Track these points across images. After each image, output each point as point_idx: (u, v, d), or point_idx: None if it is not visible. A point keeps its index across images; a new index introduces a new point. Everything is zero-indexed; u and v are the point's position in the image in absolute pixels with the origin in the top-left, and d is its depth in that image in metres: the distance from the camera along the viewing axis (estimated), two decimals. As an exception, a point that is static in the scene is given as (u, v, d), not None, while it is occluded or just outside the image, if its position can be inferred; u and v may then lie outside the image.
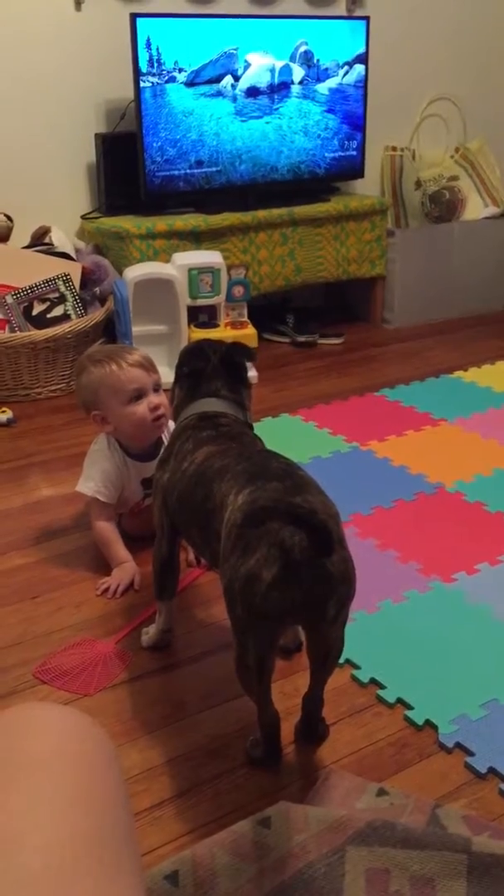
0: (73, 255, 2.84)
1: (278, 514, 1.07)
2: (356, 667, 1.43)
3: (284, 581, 1.06)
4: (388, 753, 1.26)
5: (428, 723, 1.31)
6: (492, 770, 1.22)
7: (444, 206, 3.48)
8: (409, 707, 1.34)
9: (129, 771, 1.23)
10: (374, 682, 1.40)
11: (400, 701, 1.36)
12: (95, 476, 1.75)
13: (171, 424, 1.75)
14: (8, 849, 0.46)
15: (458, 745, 1.27)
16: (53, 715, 0.59)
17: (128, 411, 1.70)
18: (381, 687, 1.39)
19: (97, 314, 2.73)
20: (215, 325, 2.78)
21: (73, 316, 2.69)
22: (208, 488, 1.25)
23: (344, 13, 3.29)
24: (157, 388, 1.74)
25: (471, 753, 1.25)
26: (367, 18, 3.14)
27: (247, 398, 1.51)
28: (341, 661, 1.43)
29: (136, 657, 1.48)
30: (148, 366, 1.73)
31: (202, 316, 2.78)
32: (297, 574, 1.06)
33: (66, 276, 2.69)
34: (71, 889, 0.45)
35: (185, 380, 1.49)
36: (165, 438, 1.77)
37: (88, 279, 2.78)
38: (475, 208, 3.54)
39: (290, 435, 2.38)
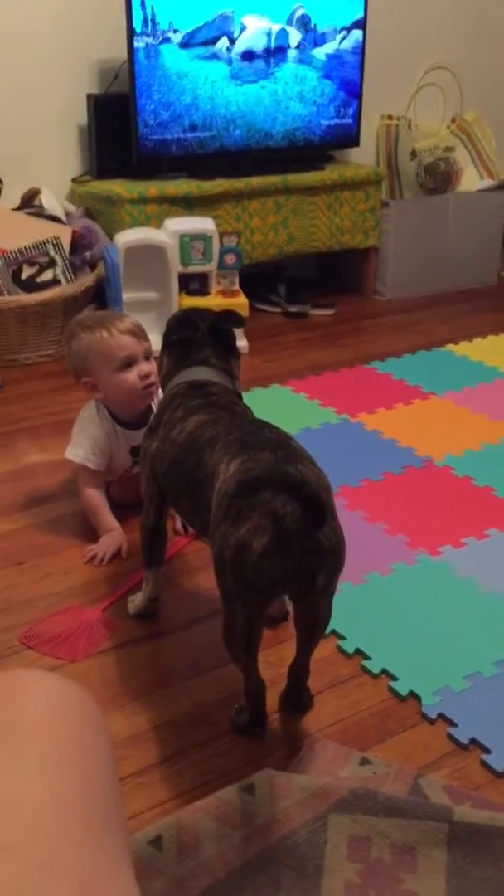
0: (63, 218, 2.80)
1: (271, 484, 1.07)
2: (341, 637, 1.44)
3: (275, 551, 1.06)
4: (371, 723, 1.27)
5: (411, 693, 1.32)
6: (473, 741, 1.23)
7: (439, 178, 3.44)
8: (394, 678, 1.36)
9: (114, 736, 1.24)
10: (358, 652, 1.41)
11: (384, 672, 1.37)
12: (84, 443, 1.74)
13: (161, 393, 1.75)
14: (-5, 815, 0.46)
15: (441, 716, 1.28)
16: (40, 681, 0.59)
17: (118, 378, 1.70)
18: (366, 658, 1.40)
19: (87, 279, 2.70)
20: (206, 293, 2.76)
21: (63, 281, 2.66)
22: (199, 457, 1.25)
23: (343, -24, 3.22)
24: (147, 356, 1.73)
25: (453, 724, 1.26)
26: (366, -18, 3.09)
27: (236, 367, 1.50)
28: (327, 631, 1.44)
29: (123, 625, 1.48)
30: (139, 333, 1.72)
31: (193, 283, 2.75)
32: (287, 544, 1.06)
33: (56, 239, 2.65)
34: (58, 854, 0.45)
35: (173, 348, 1.48)
36: (155, 407, 1.76)
37: (79, 244, 2.75)
38: (471, 180, 3.51)
39: (279, 406, 2.37)
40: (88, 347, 1.70)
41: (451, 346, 2.84)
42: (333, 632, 1.45)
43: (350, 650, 1.41)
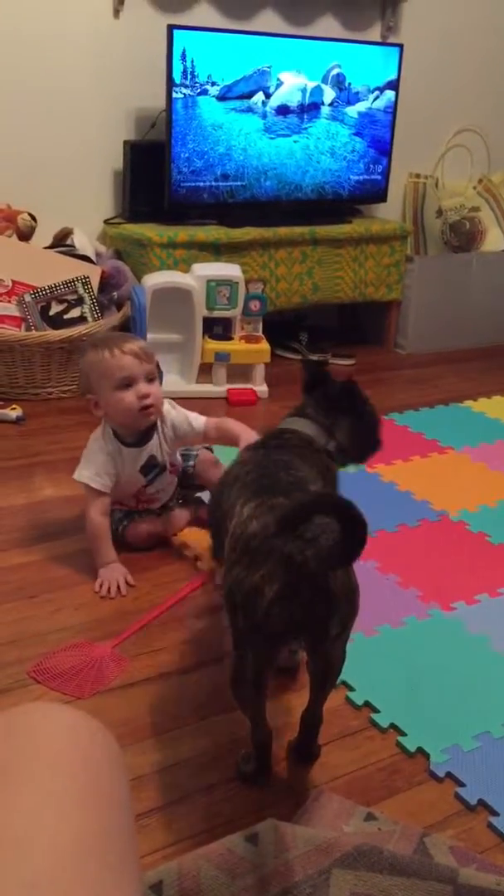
0: (93, 258, 2.85)
1: (319, 508, 1.07)
2: (351, 689, 1.43)
3: (286, 598, 1.06)
4: (378, 778, 1.26)
5: (420, 750, 1.31)
6: (481, 802, 1.22)
7: (463, 237, 3.49)
8: (402, 733, 1.34)
9: (118, 777, 1.23)
10: (368, 705, 1.40)
11: (393, 726, 1.36)
12: (90, 465, 1.77)
13: (165, 413, 1.80)
14: (15, 849, 0.46)
15: (449, 775, 1.26)
16: (60, 715, 0.59)
17: (116, 397, 1.73)
18: (375, 711, 1.39)
19: (113, 318, 2.74)
20: (230, 338, 2.79)
21: (90, 319, 2.71)
22: (221, 493, 1.28)
23: (378, 39, 3.32)
24: (150, 378, 1.76)
25: (461, 784, 1.25)
26: (400, 46, 3.17)
27: (343, 429, 1.47)
28: (336, 682, 1.43)
29: (133, 663, 1.48)
30: (142, 355, 1.75)
31: (217, 328, 2.79)
32: (298, 591, 1.06)
33: (85, 278, 2.70)
34: (75, 892, 0.45)
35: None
36: (159, 425, 1.81)
37: (107, 283, 2.80)
38: (495, 240, 3.56)
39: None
40: (91, 365, 1.74)
41: (469, 403, 2.86)
42: (343, 683, 1.44)
43: (359, 702, 1.40)
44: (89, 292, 2.71)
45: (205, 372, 2.79)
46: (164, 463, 1.86)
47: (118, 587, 1.69)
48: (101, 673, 1.44)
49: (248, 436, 1.78)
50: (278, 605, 1.06)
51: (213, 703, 1.39)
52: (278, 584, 1.05)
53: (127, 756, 1.26)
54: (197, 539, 1.88)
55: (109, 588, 1.68)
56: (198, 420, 1.87)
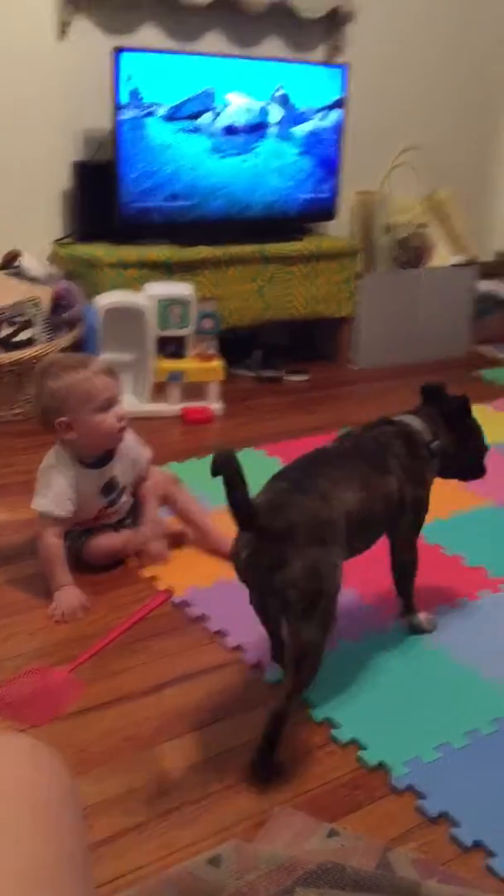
0: (43, 279, 2.83)
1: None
2: (310, 705, 1.43)
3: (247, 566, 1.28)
4: (339, 794, 1.26)
5: (381, 764, 1.31)
6: (443, 814, 1.22)
7: (412, 252, 3.54)
8: (363, 747, 1.34)
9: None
10: (328, 721, 1.40)
11: (353, 741, 1.36)
12: (48, 492, 1.74)
13: (129, 434, 1.80)
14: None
15: (410, 788, 1.27)
16: (12, 743, 0.58)
17: (97, 419, 1.71)
18: (335, 726, 1.39)
19: (64, 339, 2.72)
20: (183, 357, 2.79)
21: (41, 341, 2.68)
22: None
23: (323, 59, 3.36)
24: (119, 398, 1.77)
25: (422, 796, 1.25)
26: (345, 66, 3.22)
27: (450, 440, 1.61)
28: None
29: (90, 688, 1.46)
30: (115, 375, 1.76)
31: (170, 347, 2.79)
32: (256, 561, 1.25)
33: (35, 300, 2.68)
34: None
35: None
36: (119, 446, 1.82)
37: (58, 304, 2.78)
38: (442, 256, 3.62)
39: (254, 469, 2.36)
40: (69, 388, 1.70)
41: (422, 416, 2.88)
42: (303, 700, 1.44)
43: (319, 718, 1.40)
44: (40, 314, 2.69)
45: (159, 391, 2.78)
46: (125, 483, 1.85)
47: (74, 611, 1.67)
48: (58, 699, 1.42)
49: (198, 508, 1.90)
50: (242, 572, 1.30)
51: (172, 726, 1.37)
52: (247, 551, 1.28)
53: (83, 783, 1.24)
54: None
55: (64, 612, 1.66)
56: (147, 451, 1.90)
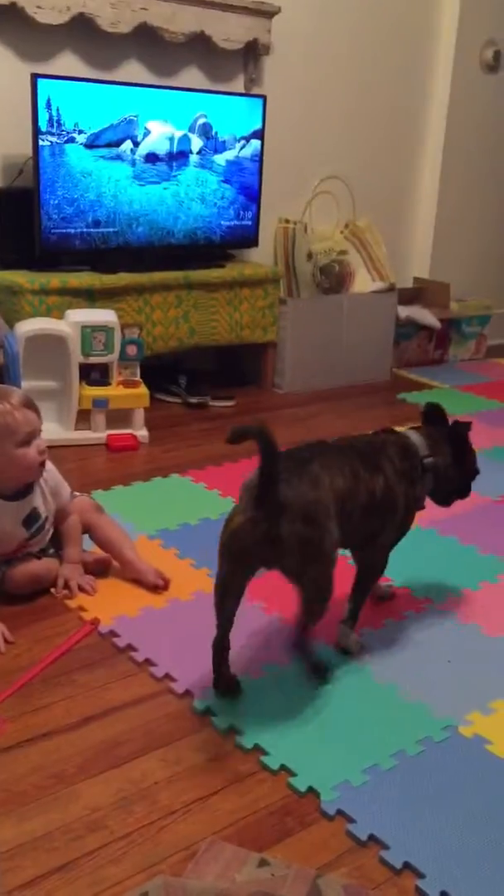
0: (-38, 306, 2.78)
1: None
2: (239, 732, 1.42)
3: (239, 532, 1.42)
4: (269, 822, 1.25)
5: (310, 790, 1.31)
6: (372, 837, 1.22)
7: (333, 279, 3.61)
8: (292, 774, 1.34)
9: (1, 846, 1.17)
10: (257, 747, 1.39)
11: (283, 767, 1.35)
12: None
13: (49, 466, 1.78)
14: None
15: (340, 813, 1.26)
16: None
17: (19, 454, 1.68)
18: (265, 753, 1.38)
19: (-15, 367, 2.67)
20: (107, 384, 2.77)
21: (-40, 368, 2.63)
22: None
23: (242, 90, 3.41)
24: (39, 430, 1.74)
25: (352, 821, 1.25)
26: (263, 97, 3.28)
27: (443, 449, 1.74)
28: (224, 727, 1.43)
29: (13, 724, 1.42)
30: (35, 407, 1.74)
31: (94, 374, 2.76)
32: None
33: (-46, 327, 2.63)
34: None
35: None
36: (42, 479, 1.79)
37: (-22, 332, 2.73)
38: (363, 282, 3.69)
39: (180, 495, 2.37)
40: None
41: (346, 439, 2.92)
42: (231, 727, 1.43)
43: (249, 745, 1.39)
44: (-41, 341, 2.64)
45: (83, 419, 2.75)
46: (48, 514, 1.82)
47: None
48: (-20, 737, 1.38)
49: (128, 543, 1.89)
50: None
51: (97, 761, 1.34)
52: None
53: (7, 823, 1.21)
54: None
55: None
56: (66, 487, 1.88)
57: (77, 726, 1.42)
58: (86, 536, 1.93)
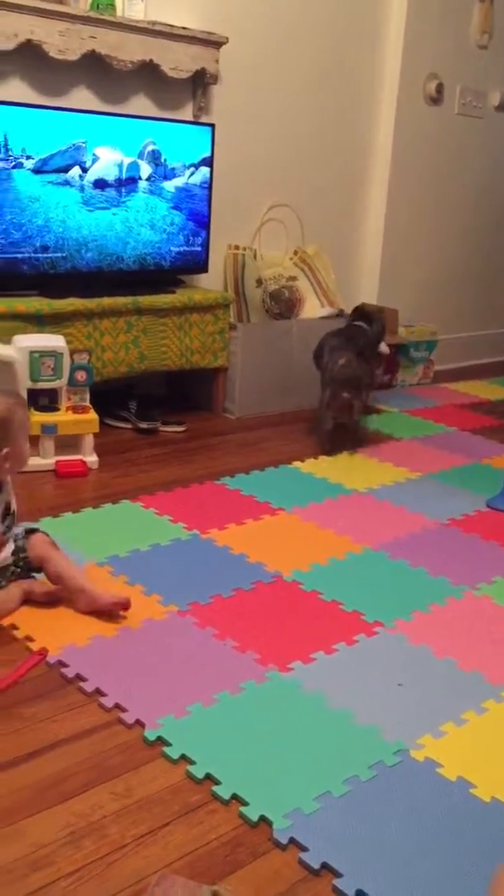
0: None
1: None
2: (191, 762, 1.40)
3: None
4: (221, 853, 1.23)
5: (262, 818, 1.29)
6: (325, 865, 1.21)
7: (283, 304, 3.63)
8: (244, 803, 1.32)
9: None
10: (209, 777, 1.37)
11: (235, 797, 1.33)
12: None
13: None
14: None
15: (292, 841, 1.25)
16: None
17: (26, 447, 1.82)
18: (217, 783, 1.36)
19: None
20: (56, 409, 2.74)
21: None
22: (322, 346, 3.18)
23: (191, 118, 3.44)
24: None
25: (304, 849, 1.24)
26: (212, 125, 3.31)
27: (372, 330, 3.36)
28: (175, 757, 1.41)
29: (-44, 760, 1.38)
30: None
31: (43, 399, 2.73)
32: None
33: None
34: None
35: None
36: None
37: None
38: (312, 308, 3.73)
39: (130, 521, 2.35)
40: (22, 420, 1.79)
41: (297, 464, 2.94)
42: (183, 756, 1.41)
43: (200, 775, 1.37)
44: None
45: (32, 444, 2.69)
46: (15, 510, 1.89)
47: None
48: None
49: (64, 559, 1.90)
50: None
51: (44, 797, 1.31)
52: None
53: (-50, 865, 1.16)
54: (28, 618, 1.80)
55: None
56: None
57: (23, 760, 1.39)
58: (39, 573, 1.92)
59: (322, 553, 2.23)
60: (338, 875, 1.19)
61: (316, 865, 1.20)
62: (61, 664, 1.66)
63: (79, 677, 1.62)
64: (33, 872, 1.17)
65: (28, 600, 1.86)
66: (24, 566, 1.90)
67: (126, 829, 1.25)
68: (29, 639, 1.74)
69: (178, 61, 3.21)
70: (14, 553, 1.88)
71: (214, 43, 3.29)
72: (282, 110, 3.75)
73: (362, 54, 4.00)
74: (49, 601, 1.87)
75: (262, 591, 2.01)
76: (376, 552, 2.27)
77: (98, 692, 1.58)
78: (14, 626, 1.78)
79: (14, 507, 1.89)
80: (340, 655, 1.76)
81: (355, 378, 3.01)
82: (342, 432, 3.09)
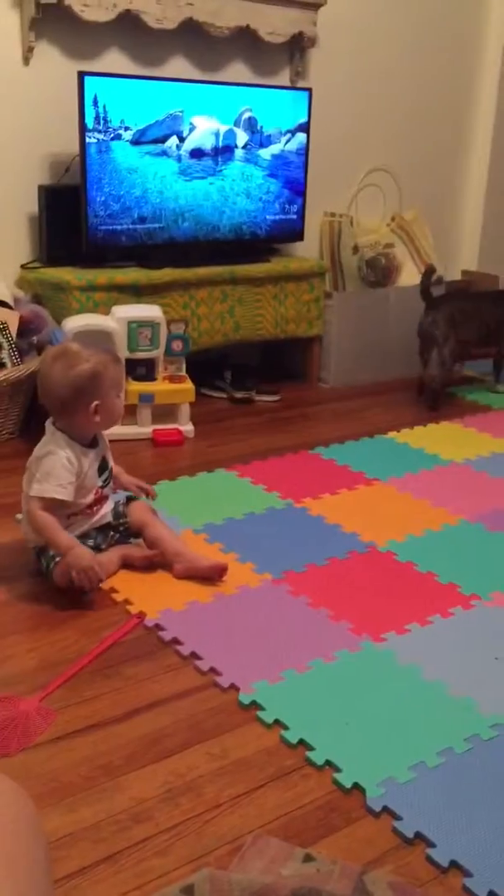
0: (11, 303, 2.82)
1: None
2: (285, 727, 1.42)
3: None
4: (315, 817, 1.24)
5: (356, 786, 1.30)
6: (418, 835, 1.21)
7: (379, 272, 3.57)
8: (338, 769, 1.33)
9: (50, 835, 1.19)
10: (302, 743, 1.39)
11: (328, 763, 1.35)
12: (51, 478, 1.77)
13: None
14: None
15: (386, 809, 1.26)
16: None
17: (118, 403, 1.85)
18: (310, 748, 1.37)
19: (33, 363, 2.70)
20: (153, 379, 2.78)
21: (9, 364, 2.66)
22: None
23: (287, 83, 3.40)
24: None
25: (398, 818, 1.24)
26: (309, 90, 3.26)
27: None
28: (269, 721, 1.43)
29: (61, 715, 1.44)
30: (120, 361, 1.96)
31: (140, 369, 2.78)
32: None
33: (2, 324, 2.66)
34: None
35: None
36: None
37: (26, 328, 2.76)
38: (410, 275, 3.65)
39: (225, 490, 2.38)
40: (114, 374, 1.82)
41: (392, 434, 2.90)
42: (277, 721, 1.43)
43: (294, 740, 1.39)
44: (7, 338, 2.68)
45: (129, 413, 2.76)
46: (111, 465, 1.94)
47: (89, 569, 1.72)
48: (28, 728, 1.40)
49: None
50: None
51: (143, 754, 1.35)
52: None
53: (54, 813, 1.22)
54: (127, 582, 1.85)
55: (80, 573, 1.72)
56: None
57: (124, 718, 1.44)
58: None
59: (417, 524, 2.21)
60: (431, 845, 1.19)
61: (410, 834, 1.21)
62: (158, 627, 1.70)
63: (175, 640, 1.66)
64: (136, 825, 1.21)
65: (127, 565, 1.91)
66: (125, 531, 1.95)
67: (221, 790, 1.28)
68: (128, 601, 1.79)
69: (274, 25, 3.17)
70: (115, 518, 1.94)
71: (313, 5, 3.23)
72: (381, 72, 3.66)
73: (465, 15, 3.85)
74: (146, 566, 1.92)
75: (357, 561, 2.01)
76: (473, 524, 2.23)
77: (194, 655, 1.61)
78: (114, 590, 1.83)
79: (111, 462, 1.94)
80: (435, 627, 1.75)
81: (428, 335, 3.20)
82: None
